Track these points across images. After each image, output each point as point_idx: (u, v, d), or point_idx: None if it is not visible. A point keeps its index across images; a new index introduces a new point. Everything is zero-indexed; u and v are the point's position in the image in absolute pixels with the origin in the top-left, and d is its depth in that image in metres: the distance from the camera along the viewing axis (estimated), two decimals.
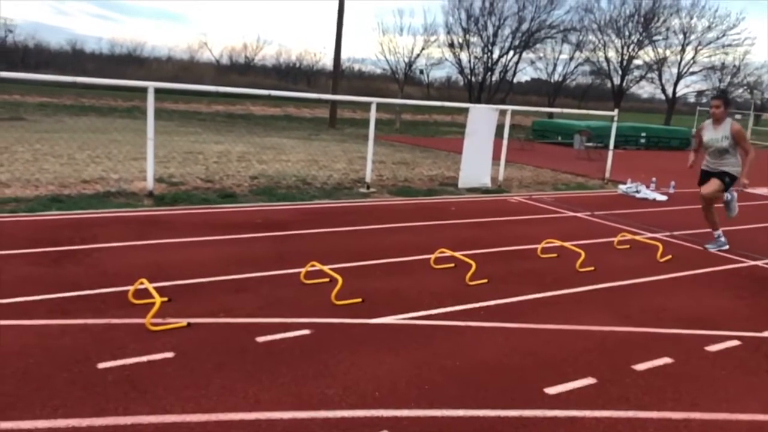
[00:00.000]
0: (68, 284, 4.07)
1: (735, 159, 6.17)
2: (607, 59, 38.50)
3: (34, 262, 4.52)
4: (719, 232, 6.45)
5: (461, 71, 39.82)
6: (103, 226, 5.73)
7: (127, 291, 3.91)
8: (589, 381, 3.17)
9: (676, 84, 38.78)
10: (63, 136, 13.10)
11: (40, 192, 7.10)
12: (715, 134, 6.14)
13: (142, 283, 3.84)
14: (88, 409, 2.59)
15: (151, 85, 7.19)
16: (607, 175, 11.48)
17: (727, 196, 6.39)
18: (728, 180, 6.17)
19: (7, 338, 3.22)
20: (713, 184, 6.19)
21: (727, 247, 6.37)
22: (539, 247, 5.75)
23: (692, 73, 38.51)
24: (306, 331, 3.56)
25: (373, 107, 8.96)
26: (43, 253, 4.75)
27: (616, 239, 6.34)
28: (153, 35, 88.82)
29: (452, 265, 5.07)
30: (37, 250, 4.83)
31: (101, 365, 2.99)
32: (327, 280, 4.40)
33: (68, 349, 3.14)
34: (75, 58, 49.29)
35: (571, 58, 39.68)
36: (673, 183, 10.67)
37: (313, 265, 4.53)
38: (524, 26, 36.73)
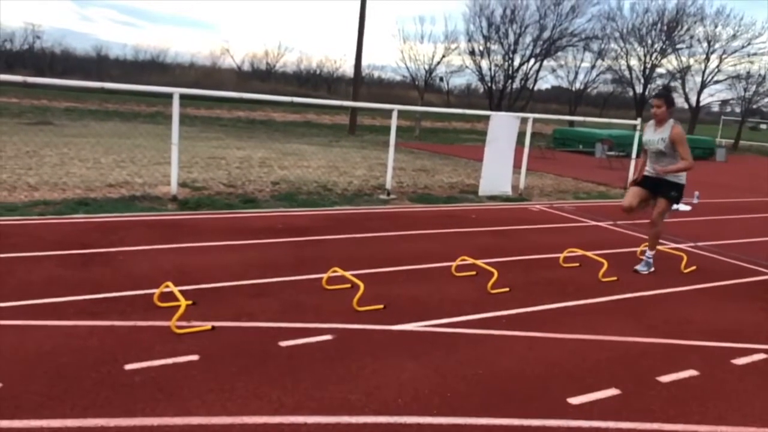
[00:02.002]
0: (95, 286, 4.15)
1: (675, 163, 5.53)
2: (629, 67, 38.17)
3: (62, 264, 4.61)
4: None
5: (482, 79, 39.73)
6: (129, 230, 5.82)
7: (153, 294, 3.96)
8: (612, 392, 3.15)
9: (699, 93, 38.27)
10: (89, 140, 13.34)
11: (67, 195, 7.24)
12: (653, 135, 5.59)
13: (167, 286, 3.90)
14: (116, 410, 2.64)
15: (176, 91, 7.30)
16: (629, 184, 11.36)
17: (650, 258, 5.70)
18: (674, 194, 5.60)
19: (39, 338, 3.29)
20: (660, 206, 5.61)
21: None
22: (561, 256, 5.72)
23: (716, 82, 37.96)
24: (328, 337, 3.58)
25: (395, 114, 8.99)
26: (71, 256, 4.84)
27: (639, 249, 6.28)
28: (176, 41, 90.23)
29: (473, 273, 5.07)
30: (65, 252, 4.92)
31: (128, 366, 3.04)
32: (348, 286, 4.42)
33: (96, 350, 3.19)
34: (100, 64, 50.17)
35: (593, 66, 39.44)
36: (697, 193, 10.54)
37: (334, 271, 4.56)
38: (545, 34, 36.58)
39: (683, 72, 37.67)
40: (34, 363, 3.00)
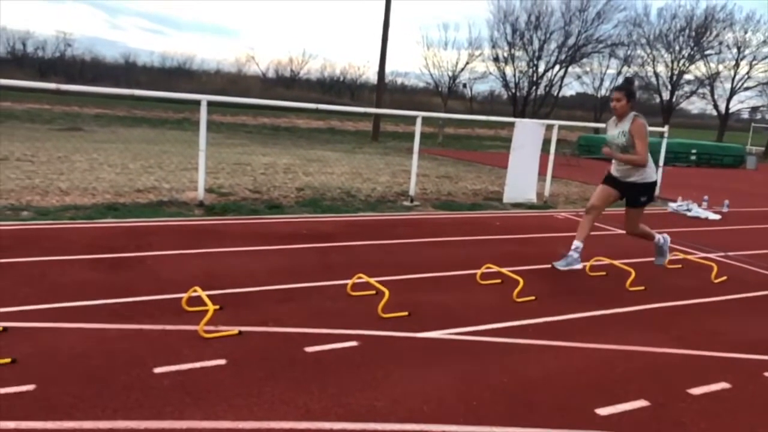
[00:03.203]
0: (125, 290, 4.22)
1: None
2: (656, 74, 37.76)
3: (92, 268, 4.70)
4: (580, 245, 5.31)
5: (506, 85, 39.65)
6: (157, 235, 5.92)
7: (181, 298, 4.02)
8: (642, 403, 3.10)
9: (729, 99, 37.67)
10: (118, 146, 13.60)
11: (97, 200, 7.38)
12: (614, 131, 5.25)
13: (195, 291, 3.95)
14: (145, 413, 2.68)
15: (204, 98, 7.41)
16: (657, 192, 11.20)
17: (659, 239, 5.58)
18: (644, 200, 5.28)
19: (71, 340, 3.36)
20: (633, 217, 5.42)
21: (579, 266, 5.30)
22: (587, 264, 5.66)
23: (746, 89, 37.36)
24: (353, 343, 3.59)
25: (419, 121, 9.01)
26: (101, 260, 4.94)
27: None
28: (202, 49, 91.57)
29: (499, 281, 5.04)
30: (95, 256, 5.02)
31: (157, 370, 3.08)
32: (373, 292, 4.43)
33: (126, 354, 3.24)
34: (128, 71, 51.20)
35: (619, 73, 39.07)
36: (727, 202, 10.35)
37: (359, 277, 4.57)
38: (570, 41, 36.40)
39: (712, 78, 37.14)
40: (66, 365, 3.07)
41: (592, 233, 7.63)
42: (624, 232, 5.72)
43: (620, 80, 39.15)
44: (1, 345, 3.21)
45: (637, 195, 5.25)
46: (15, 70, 40.93)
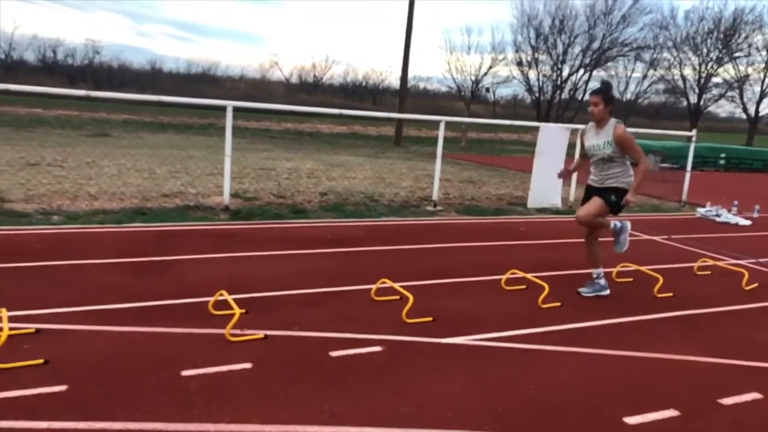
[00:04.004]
0: (153, 293, 4.28)
1: (623, 169, 4.85)
2: (683, 77, 37.21)
3: (121, 271, 4.78)
4: (600, 270, 5.02)
5: (529, 89, 39.41)
6: (183, 239, 5.99)
7: (207, 302, 4.06)
8: (671, 413, 3.04)
9: (759, 102, 36.93)
10: (144, 151, 13.82)
11: (125, 204, 7.51)
12: (596, 139, 4.85)
13: (221, 295, 3.99)
14: (173, 415, 2.71)
15: (230, 104, 7.50)
16: (684, 197, 11.03)
17: (615, 224, 5.06)
18: (614, 198, 4.82)
19: (101, 343, 3.42)
20: (592, 205, 4.85)
21: (606, 292, 4.98)
22: (614, 270, 5.59)
23: None
24: (378, 348, 3.59)
25: (442, 125, 9.00)
26: (129, 263, 5.02)
27: (696, 265, 6.08)
28: (227, 55, 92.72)
29: (524, 286, 5.00)
30: (124, 260, 5.10)
31: (185, 373, 3.12)
32: (397, 297, 4.43)
33: (154, 356, 3.29)
34: (154, 77, 52.04)
35: (645, 77, 38.60)
36: (757, 207, 10.14)
37: (383, 282, 4.57)
38: (595, 44, 36.06)
39: (741, 81, 36.45)
40: (96, 366, 3.12)
41: None
42: (575, 218, 5.07)
43: (646, 84, 38.68)
44: (34, 346, 3.28)
45: (609, 193, 4.84)
46: (45, 78, 41.91)
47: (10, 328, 3.25)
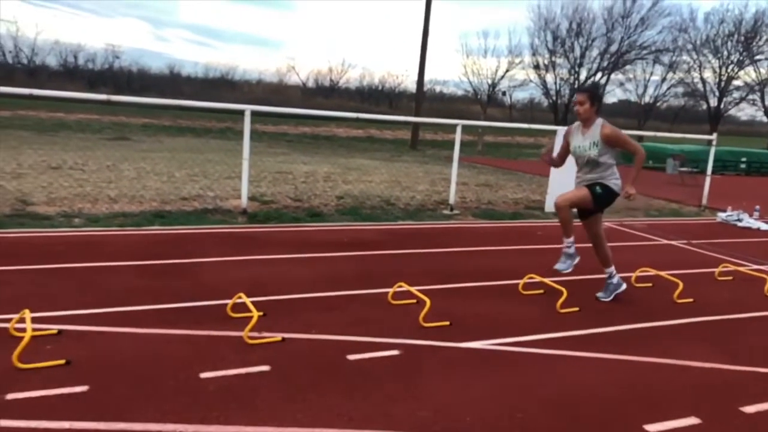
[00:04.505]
0: (172, 296, 4.32)
1: (610, 171, 4.71)
2: (702, 80, 36.78)
3: (141, 274, 4.83)
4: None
5: (546, 93, 39.20)
6: (202, 242, 6.05)
7: (226, 304, 4.09)
8: (692, 420, 3.00)
9: None
10: (163, 155, 13.96)
11: (144, 208, 7.59)
12: (582, 140, 4.69)
13: (239, 297, 4.02)
14: (193, 416, 2.74)
15: (248, 108, 7.55)
16: (704, 201, 10.89)
17: (613, 276, 4.90)
18: (599, 190, 4.65)
19: (122, 344, 3.46)
20: (576, 191, 4.73)
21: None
22: (633, 275, 5.53)
23: None
24: (395, 352, 3.59)
25: (459, 129, 8.98)
26: (149, 266, 5.07)
27: (717, 270, 6.00)
28: (244, 59, 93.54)
29: (541, 291, 4.97)
30: (143, 262, 5.16)
31: (204, 375, 3.14)
32: (414, 301, 4.43)
33: (173, 358, 3.32)
34: (173, 82, 52.59)
35: (663, 80, 38.21)
36: None
37: (400, 286, 4.57)
38: (613, 47, 35.76)
39: (762, 84, 35.93)
40: (117, 368, 3.16)
41: (639, 243, 7.47)
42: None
43: (665, 87, 38.27)
44: (56, 347, 3.33)
45: (595, 185, 4.70)
46: (66, 82, 42.54)
47: (33, 329, 3.30)
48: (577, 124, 4.84)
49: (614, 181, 4.72)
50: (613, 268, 4.98)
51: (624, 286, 4.99)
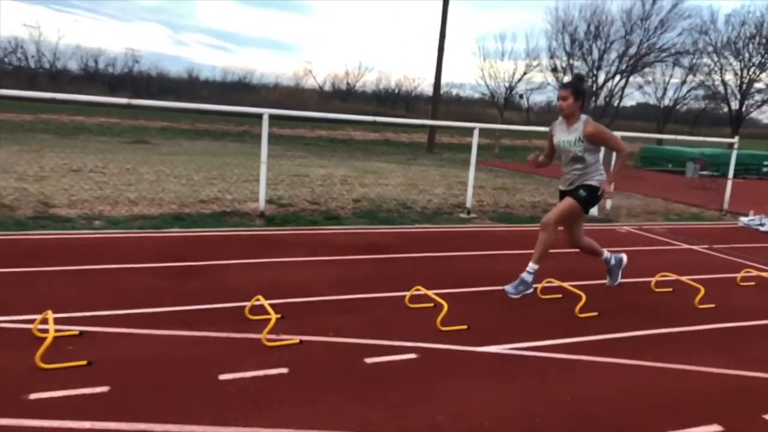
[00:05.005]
0: (190, 298, 4.36)
1: (595, 168, 4.66)
2: (723, 83, 36.25)
3: (160, 276, 4.88)
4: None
5: None
6: (220, 244, 6.09)
7: (244, 306, 4.12)
8: (714, 428, 2.96)
9: None
10: (182, 158, 14.10)
11: (163, 210, 7.67)
12: (567, 136, 4.62)
13: (258, 300, 4.04)
14: (211, 418, 2.75)
15: (266, 111, 7.61)
16: (726, 205, 10.74)
17: (608, 258, 4.96)
18: (583, 193, 4.59)
19: (142, 346, 3.50)
20: (562, 204, 4.65)
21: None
22: (653, 280, 5.47)
23: None
24: (412, 355, 3.59)
25: (476, 132, 8.95)
26: (168, 268, 5.12)
27: (739, 275, 5.91)
28: (262, 63, 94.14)
29: (559, 295, 4.93)
30: (163, 264, 5.21)
31: (222, 377, 3.16)
32: (432, 305, 4.42)
33: (192, 360, 3.35)
34: (191, 85, 53.08)
35: (683, 82, 37.72)
36: None
37: (417, 290, 4.57)
38: (632, 50, 35.37)
39: None
40: (137, 369, 3.19)
41: (659, 247, 7.38)
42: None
43: (685, 90, 37.80)
44: (77, 348, 3.38)
45: (578, 188, 4.65)
46: (87, 86, 43.13)
47: (56, 330, 3.34)
48: (560, 119, 4.76)
49: (598, 178, 4.66)
50: (605, 252, 5.04)
51: (624, 256, 5.11)
